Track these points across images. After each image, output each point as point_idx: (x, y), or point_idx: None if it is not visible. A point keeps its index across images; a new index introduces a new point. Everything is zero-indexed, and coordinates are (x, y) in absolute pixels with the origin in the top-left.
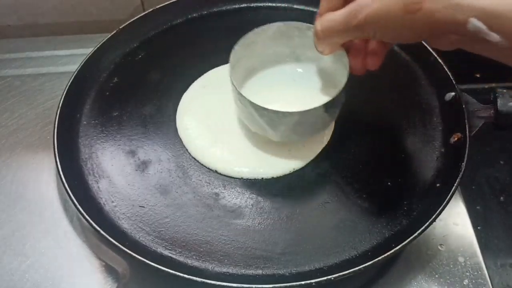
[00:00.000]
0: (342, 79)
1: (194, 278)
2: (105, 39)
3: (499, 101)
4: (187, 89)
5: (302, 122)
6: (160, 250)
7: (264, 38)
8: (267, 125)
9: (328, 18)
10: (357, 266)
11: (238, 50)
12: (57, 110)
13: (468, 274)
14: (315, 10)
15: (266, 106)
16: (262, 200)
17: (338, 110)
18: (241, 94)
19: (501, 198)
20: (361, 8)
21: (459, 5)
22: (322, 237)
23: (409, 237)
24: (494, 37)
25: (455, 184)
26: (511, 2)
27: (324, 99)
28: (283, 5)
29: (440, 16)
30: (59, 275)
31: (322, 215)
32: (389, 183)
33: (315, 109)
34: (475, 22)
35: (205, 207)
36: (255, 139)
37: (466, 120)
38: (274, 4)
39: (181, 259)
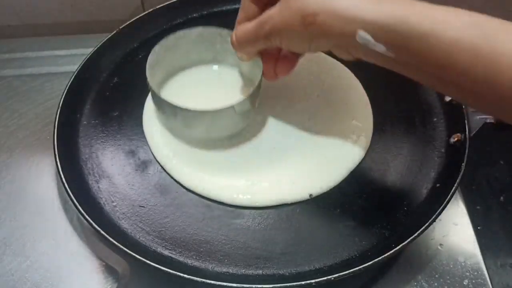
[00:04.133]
0: (256, 82)
1: (194, 278)
2: (105, 39)
3: None
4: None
5: (214, 120)
6: (160, 250)
7: (186, 42)
8: (181, 123)
9: (242, 29)
10: (357, 266)
11: (158, 51)
12: (57, 110)
13: (468, 274)
14: None
15: (181, 106)
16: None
17: (251, 111)
18: (155, 93)
19: (501, 198)
20: (267, 20)
21: (346, 17)
22: (322, 237)
23: (409, 237)
24: (381, 47)
25: (455, 184)
26: (395, 15)
27: (238, 100)
28: None
29: (332, 29)
30: (59, 275)
31: (322, 215)
32: (389, 183)
33: (225, 109)
34: (362, 34)
35: (205, 207)
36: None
37: (466, 120)
38: None
39: (181, 259)
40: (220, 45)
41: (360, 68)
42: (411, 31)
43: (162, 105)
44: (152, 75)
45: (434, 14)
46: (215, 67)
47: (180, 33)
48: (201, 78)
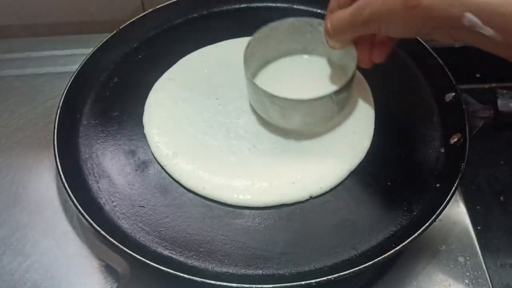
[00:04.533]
0: (350, 71)
1: (194, 278)
2: (105, 39)
3: (499, 102)
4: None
5: (312, 110)
6: (160, 250)
7: (278, 33)
8: (278, 113)
9: (337, 16)
10: (357, 266)
11: (252, 44)
12: (57, 110)
13: (468, 274)
14: (315, 10)
15: (277, 95)
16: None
17: (346, 100)
18: (253, 83)
19: (501, 198)
20: (365, 5)
21: (455, 0)
22: (322, 237)
23: (409, 237)
24: (489, 31)
25: (455, 184)
26: None
27: (333, 88)
28: (283, 5)
29: (437, 11)
30: (59, 275)
31: (322, 215)
32: (389, 183)
33: (323, 97)
34: (470, 17)
35: (205, 207)
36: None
37: (466, 121)
38: (274, 4)
39: (181, 259)
40: (311, 35)
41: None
42: None
43: (260, 95)
44: (247, 67)
45: None
46: (306, 57)
47: (273, 25)
48: (292, 69)
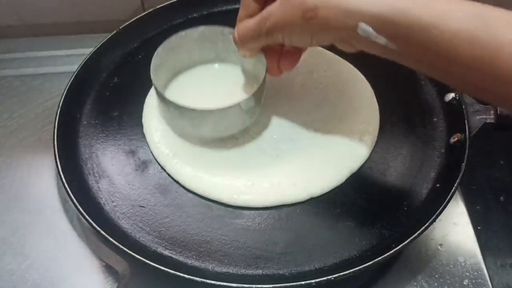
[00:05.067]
0: (261, 79)
1: (194, 278)
2: (105, 39)
3: None
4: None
5: (221, 119)
6: (160, 250)
7: (189, 41)
8: (188, 123)
9: (244, 25)
10: (357, 266)
11: (161, 53)
12: (57, 110)
13: (468, 274)
14: None
15: (188, 106)
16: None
17: (257, 107)
18: (161, 94)
19: (501, 198)
20: (268, 16)
21: (347, 10)
22: (322, 237)
23: (409, 237)
24: (382, 40)
25: (455, 184)
26: (396, 7)
27: (244, 97)
28: None
29: (333, 22)
30: (59, 275)
31: (322, 215)
32: (389, 183)
33: (232, 106)
34: (363, 27)
35: (205, 207)
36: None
37: (466, 121)
38: None
39: (181, 259)
40: (222, 43)
41: (360, 68)
42: (412, 23)
43: (168, 106)
44: (156, 77)
45: (436, 5)
46: (218, 65)
47: (182, 33)
48: (204, 77)
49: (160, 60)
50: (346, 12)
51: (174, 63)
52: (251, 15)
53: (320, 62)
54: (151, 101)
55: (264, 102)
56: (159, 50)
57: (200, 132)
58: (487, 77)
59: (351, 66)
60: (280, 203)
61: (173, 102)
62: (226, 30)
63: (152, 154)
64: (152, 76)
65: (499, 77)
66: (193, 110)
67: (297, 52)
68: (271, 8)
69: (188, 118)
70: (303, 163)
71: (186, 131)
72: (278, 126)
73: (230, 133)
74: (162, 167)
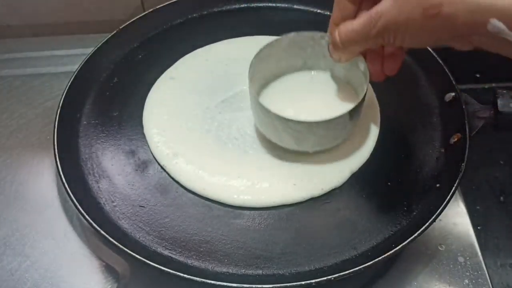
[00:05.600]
0: (358, 85)
1: (194, 278)
2: (105, 39)
3: (499, 102)
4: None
5: (327, 131)
6: (160, 250)
7: (278, 49)
8: (291, 136)
9: (347, 28)
10: (357, 266)
11: (254, 63)
12: (57, 110)
13: (468, 274)
14: (314, 10)
15: (292, 118)
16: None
17: (359, 116)
18: (264, 107)
19: (501, 198)
20: (379, 16)
21: (479, 6)
22: (322, 237)
23: (409, 237)
24: None
25: (455, 184)
26: None
27: (344, 105)
28: (283, 5)
29: (459, 19)
30: (59, 275)
31: (322, 215)
32: (389, 183)
33: (340, 117)
34: (495, 23)
35: (205, 207)
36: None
37: (466, 121)
38: (274, 4)
39: (181, 259)
40: (312, 49)
41: None
42: None
43: (271, 119)
44: (252, 89)
45: None
46: (307, 73)
47: (273, 42)
48: (295, 86)
49: (253, 71)
50: (477, 7)
51: (264, 73)
52: (348, 17)
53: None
54: (151, 101)
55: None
56: (253, 61)
57: (302, 145)
58: None
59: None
60: (280, 203)
61: (278, 115)
62: (317, 35)
63: (152, 154)
64: (250, 90)
65: None
66: (299, 123)
67: (401, 53)
68: (381, 7)
69: (293, 131)
70: (304, 163)
71: (288, 145)
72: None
73: (332, 145)
74: (162, 167)
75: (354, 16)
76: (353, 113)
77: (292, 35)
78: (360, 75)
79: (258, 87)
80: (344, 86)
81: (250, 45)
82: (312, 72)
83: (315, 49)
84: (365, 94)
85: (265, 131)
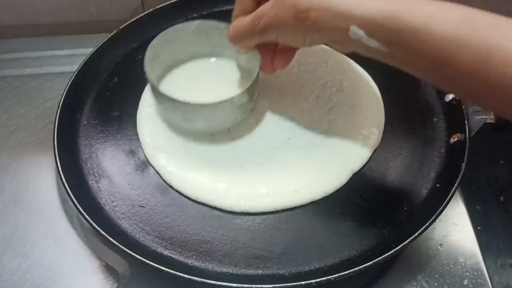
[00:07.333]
0: (255, 75)
1: (194, 278)
2: (105, 39)
3: None
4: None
5: (214, 113)
6: (160, 250)
7: (184, 35)
8: (180, 116)
9: (238, 23)
10: (357, 266)
11: (156, 45)
12: (57, 110)
13: (468, 274)
14: None
15: (181, 99)
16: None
17: (249, 103)
18: (155, 88)
19: (501, 198)
20: (262, 15)
21: (340, 13)
22: (322, 237)
23: (409, 237)
24: (373, 43)
25: (455, 184)
26: (386, 10)
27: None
28: None
29: (325, 24)
30: (59, 275)
31: (322, 216)
32: (389, 183)
33: (224, 101)
34: (355, 30)
35: (205, 207)
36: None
37: (466, 121)
38: None
39: (181, 259)
40: (218, 38)
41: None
42: (403, 26)
43: (161, 99)
44: (150, 70)
45: (426, 9)
46: (213, 60)
47: (178, 26)
48: (199, 71)
49: (155, 52)
50: (337, 14)
51: (168, 56)
52: (246, 12)
53: (323, 62)
54: (144, 103)
55: (264, 104)
56: (154, 42)
57: (192, 126)
58: (477, 80)
59: (358, 66)
60: (280, 209)
61: (166, 95)
62: (222, 25)
63: (149, 162)
64: (146, 68)
65: (488, 81)
66: (185, 104)
67: (291, 51)
68: (264, 7)
69: (181, 111)
70: (305, 168)
71: (178, 125)
72: (280, 130)
73: (222, 127)
74: (157, 172)
75: (252, 11)
76: (238, 100)
77: (197, 22)
78: (258, 66)
79: (163, 69)
80: (245, 74)
81: None
82: (218, 60)
83: (221, 38)
84: (252, 84)
85: (161, 112)
